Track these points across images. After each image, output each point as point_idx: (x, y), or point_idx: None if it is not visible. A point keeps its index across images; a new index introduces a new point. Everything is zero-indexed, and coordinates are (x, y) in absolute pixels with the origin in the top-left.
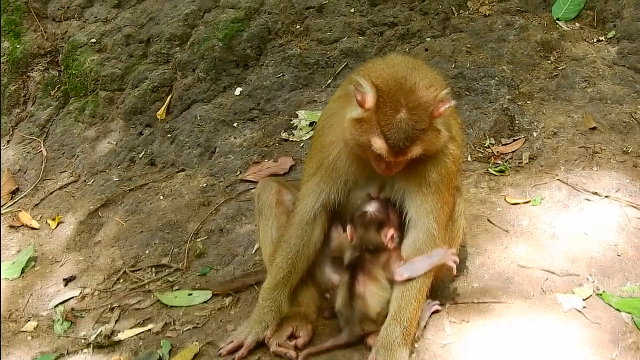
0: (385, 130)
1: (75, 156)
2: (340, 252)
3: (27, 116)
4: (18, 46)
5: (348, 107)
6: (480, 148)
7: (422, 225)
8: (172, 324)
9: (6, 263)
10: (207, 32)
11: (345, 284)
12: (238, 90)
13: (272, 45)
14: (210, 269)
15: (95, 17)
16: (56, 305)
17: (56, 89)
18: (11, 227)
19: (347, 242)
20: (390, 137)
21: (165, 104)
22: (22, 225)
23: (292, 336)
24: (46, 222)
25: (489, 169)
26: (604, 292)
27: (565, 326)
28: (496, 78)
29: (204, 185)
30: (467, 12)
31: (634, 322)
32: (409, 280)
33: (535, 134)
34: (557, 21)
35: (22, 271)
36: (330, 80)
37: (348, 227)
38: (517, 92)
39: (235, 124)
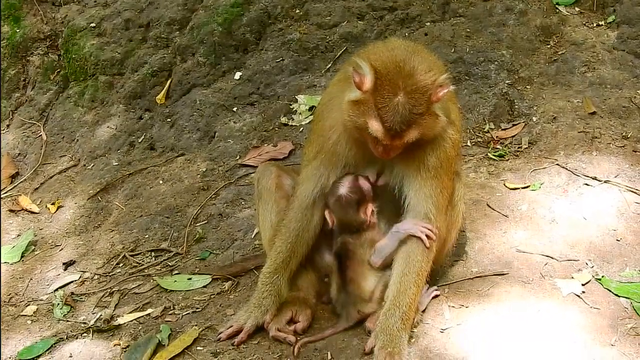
0: (382, 113)
1: (75, 140)
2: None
3: (26, 100)
4: (18, 30)
5: (347, 91)
6: (479, 133)
7: (420, 210)
8: (172, 308)
9: (6, 247)
10: (207, 16)
11: (336, 271)
12: (238, 75)
13: (272, 30)
14: (209, 253)
15: (95, 1)
16: (56, 290)
17: (56, 73)
18: (11, 211)
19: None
20: (387, 120)
21: (165, 88)
22: (22, 209)
23: (291, 321)
24: (46, 206)
25: (489, 154)
26: (603, 277)
27: (564, 311)
28: (496, 63)
29: (204, 169)
30: None
31: (633, 307)
32: (407, 265)
33: (534, 119)
34: (556, 6)
35: (22, 255)
36: (329, 65)
37: (326, 213)
38: (516, 77)
39: (234, 109)
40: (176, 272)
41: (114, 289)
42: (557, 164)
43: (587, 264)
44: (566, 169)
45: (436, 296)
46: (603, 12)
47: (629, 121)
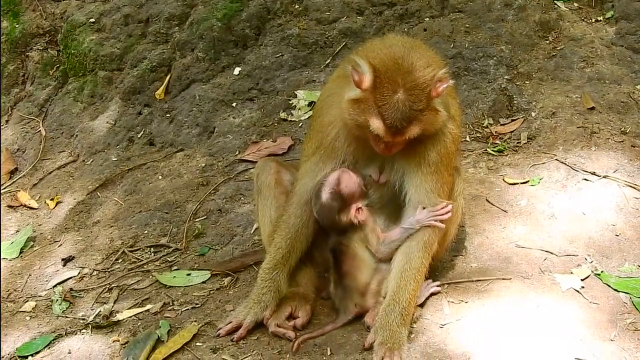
0: (382, 111)
1: (74, 136)
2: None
3: (25, 96)
4: (17, 26)
5: (346, 88)
6: (478, 128)
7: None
8: (171, 304)
9: (5, 243)
10: (206, 11)
11: (332, 266)
12: (237, 70)
13: (271, 25)
14: (209, 249)
15: None
16: (55, 286)
17: (55, 68)
18: (10, 207)
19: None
20: (387, 117)
21: (164, 83)
22: (21, 205)
23: (291, 316)
24: (45, 202)
25: (488, 149)
26: (602, 272)
27: (564, 306)
28: (495, 58)
29: (203, 165)
30: None
31: (632, 302)
32: (407, 260)
33: (533, 114)
34: (555, 1)
35: (21, 251)
36: (329, 60)
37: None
38: (515, 72)
39: (234, 104)
40: (175, 267)
41: (113, 285)
42: (556, 159)
43: (586, 259)
44: (565, 164)
45: (436, 292)
46: (601, 8)
47: (627, 116)
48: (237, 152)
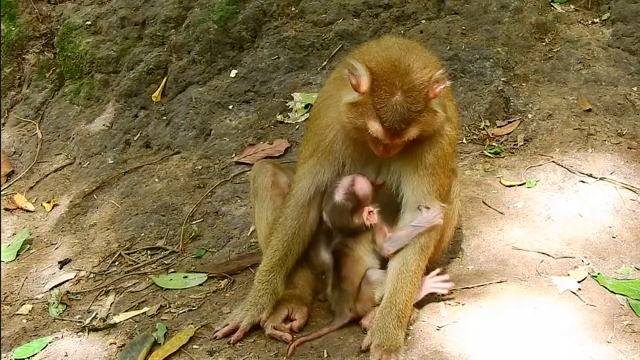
0: (381, 113)
1: (71, 139)
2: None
3: (22, 99)
4: (13, 28)
5: (343, 90)
6: (475, 130)
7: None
8: (168, 306)
9: (1, 246)
10: (203, 14)
11: (331, 268)
12: (233, 73)
13: (268, 28)
14: (205, 251)
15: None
16: (51, 288)
17: (51, 71)
18: (6, 209)
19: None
20: (386, 119)
21: (161, 86)
22: (18, 208)
23: (287, 319)
24: (41, 204)
25: (484, 151)
26: (599, 274)
27: (560, 308)
28: (491, 60)
29: (199, 167)
30: None
31: (629, 304)
32: (404, 263)
33: (530, 116)
34: (551, 3)
35: (18, 254)
36: (325, 63)
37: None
38: (512, 74)
39: (230, 106)
40: (172, 270)
41: (109, 288)
42: (553, 161)
43: (583, 261)
44: (562, 166)
45: (434, 293)
46: (598, 10)
47: (624, 118)
48: (233, 155)
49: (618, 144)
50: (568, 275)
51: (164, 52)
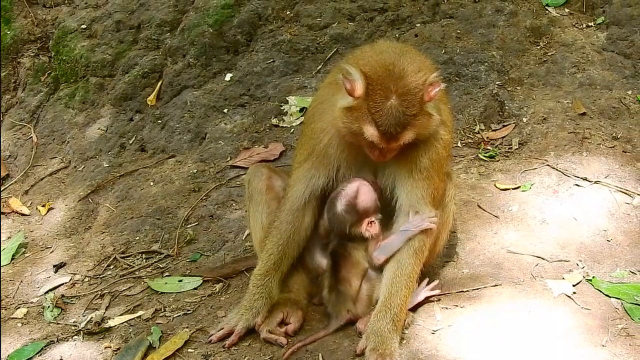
0: (376, 118)
1: (66, 142)
2: (329, 237)
3: (17, 102)
4: (8, 32)
5: (338, 94)
6: (470, 134)
7: (412, 211)
8: (163, 310)
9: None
10: (198, 18)
11: (329, 269)
12: (228, 76)
13: (263, 31)
14: (200, 255)
15: (86, 3)
16: (46, 292)
17: (46, 75)
18: (2, 213)
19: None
20: (381, 124)
21: (156, 89)
22: (12, 211)
23: (282, 322)
24: (36, 208)
25: (479, 155)
26: (593, 277)
27: (555, 312)
28: (486, 64)
29: (195, 171)
30: None
31: (624, 307)
32: (399, 266)
33: (524, 120)
34: (546, 7)
35: (12, 258)
36: (320, 66)
37: (323, 223)
38: (506, 78)
39: (225, 110)
40: (167, 274)
41: (104, 291)
42: (548, 165)
43: (577, 264)
44: (556, 169)
45: (431, 296)
46: (592, 13)
47: (618, 122)
48: (228, 158)
49: (613, 147)
50: (563, 278)
51: (159, 55)
